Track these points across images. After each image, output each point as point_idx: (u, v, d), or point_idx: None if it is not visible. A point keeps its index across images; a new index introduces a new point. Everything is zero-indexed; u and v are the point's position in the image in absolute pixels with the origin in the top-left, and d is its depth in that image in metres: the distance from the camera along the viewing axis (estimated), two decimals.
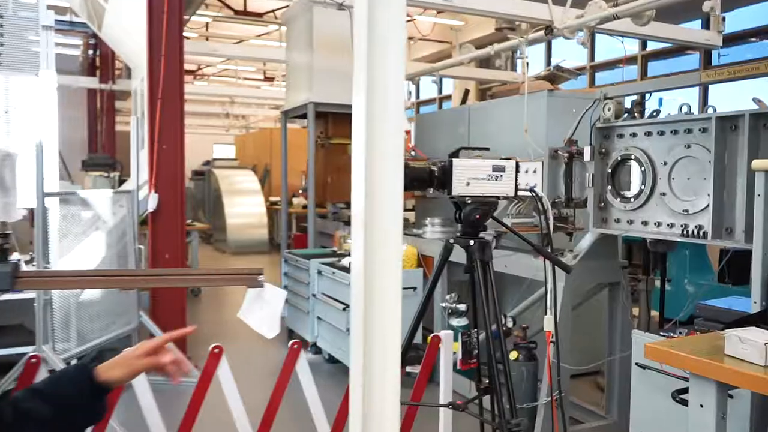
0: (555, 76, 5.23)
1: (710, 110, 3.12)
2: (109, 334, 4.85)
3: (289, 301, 6.48)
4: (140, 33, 5.55)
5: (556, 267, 2.42)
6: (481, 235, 2.11)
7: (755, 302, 2.17)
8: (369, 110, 1.17)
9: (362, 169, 1.07)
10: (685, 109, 3.22)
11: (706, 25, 9.11)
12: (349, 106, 1.08)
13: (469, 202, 2.06)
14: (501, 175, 2.06)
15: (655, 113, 3.44)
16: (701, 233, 3.11)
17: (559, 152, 3.96)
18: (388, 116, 1.20)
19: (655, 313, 5.28)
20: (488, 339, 2.07)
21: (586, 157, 3.67)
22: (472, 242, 2.11)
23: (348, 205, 7.18)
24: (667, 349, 1.88)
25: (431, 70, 10.69)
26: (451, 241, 2.15)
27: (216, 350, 2.41)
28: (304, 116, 7.23)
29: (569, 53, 13.27)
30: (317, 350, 5.88)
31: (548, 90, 5.03)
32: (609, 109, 3.57)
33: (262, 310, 2.03)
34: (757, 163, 2.14)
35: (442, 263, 2.17)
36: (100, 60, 13.77)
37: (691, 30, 8.36)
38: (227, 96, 15.79)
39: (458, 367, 2.41)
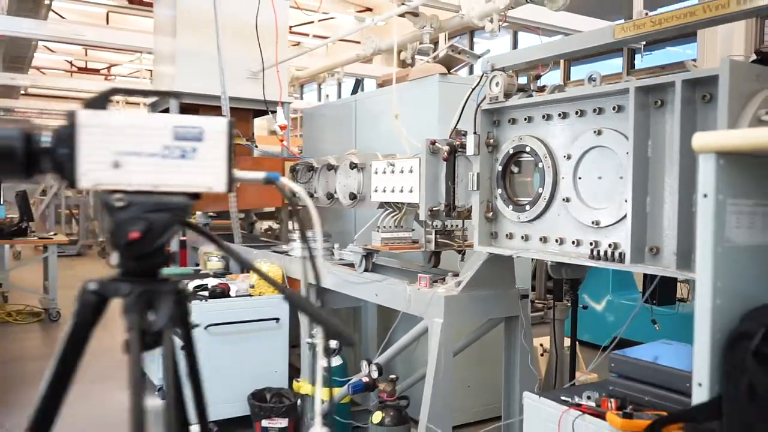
0: (450, 59, 4.32)
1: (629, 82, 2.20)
2: None
3: None
4: None
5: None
6: (165, 275, 1.05)
7: (700, 384, 1.23)
8: None
9: None
10: (596, 79, 2.30)
11: None
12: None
13: (120, 203, 0.95)
14: (194, 149, 0.97)
15: (557, 90, 2.52)
16: (617, 255, 2.19)
17: (437, 145, 3.00)
18: None
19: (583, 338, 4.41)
20: None
21: (469, 150, 2.71)
22: (127, 290, 0.99)
23: (220, 215, 6.05)
24: None
25: (331, 66, 9.74)
26: (93, 287, 1.07)
27: None
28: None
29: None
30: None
31: (440, 74, 4.09)
32: (497, 84, 2.63)
33: None
34: (703, 140, 1.20)
35: (81, 327, 1.05)
36: None
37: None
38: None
39: None
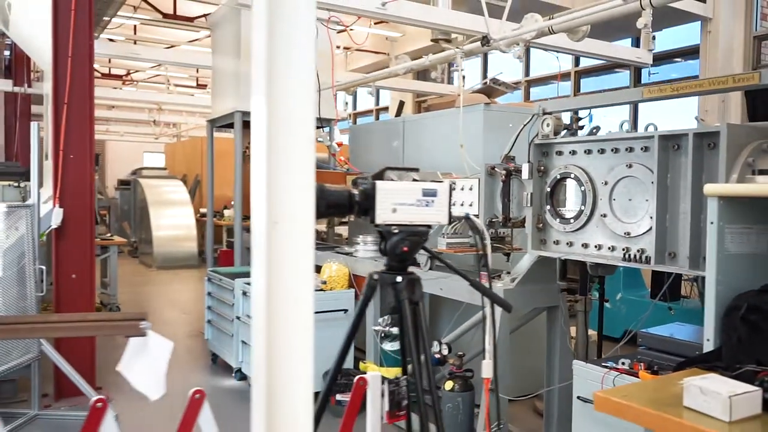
0: (491, 89, 5.08)
1: (651, 128, 2.97)
2: (4, 365, 4.33)
3: (212, 323, 6.06)
4: (48, 31, 5.06)
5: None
6: (411, 269, 1.84)
7: (708, 340, 1.99)
8: (271, 121, 0.96)
9: (263, 192, 0.94)
10: (626, 126, 3.07)
11: (636, 44, 9.31)
12: None
13: (395, 231, 1.80)
14: (432, 200, 1.79)
15: (594, 130, 3.28)
16: (644, 258, 2.95)
17: (496, 169, 3.76)
18: (294, 130, 0.98)
19: (592, 332, 5.17)
20: (419, 392, 1.78)
21: (524, 174, 3.48)
22: (399, 279, 1.83)
23: None
24: (619, 401, 1.65)
25: (365, 81, 10.46)
26: (375, 276, 1.87)
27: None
28: (231, 125, 6.84)
29: (505, 68, 13.35)
30: (242, 376, 5.48)
31: (484, 104, 4.85)
32: (548, 125, 3.39)
33: (145, 364, 1.68)
34: (710, 189, 1.97)
35: (365, 301, 1.88)
36: (14, 61, 12.88)
37: (622, 48, 8.47)
38: (155, 103, 15.08)
39: (385, 421, 2.13)
